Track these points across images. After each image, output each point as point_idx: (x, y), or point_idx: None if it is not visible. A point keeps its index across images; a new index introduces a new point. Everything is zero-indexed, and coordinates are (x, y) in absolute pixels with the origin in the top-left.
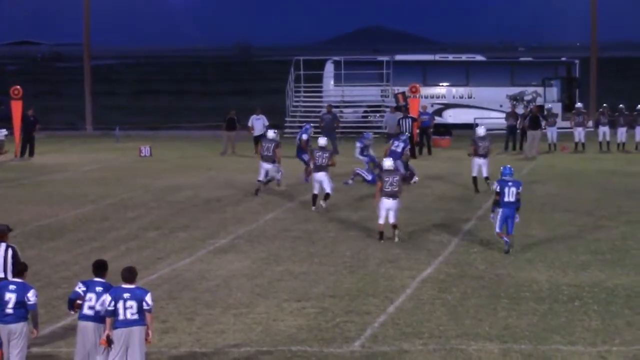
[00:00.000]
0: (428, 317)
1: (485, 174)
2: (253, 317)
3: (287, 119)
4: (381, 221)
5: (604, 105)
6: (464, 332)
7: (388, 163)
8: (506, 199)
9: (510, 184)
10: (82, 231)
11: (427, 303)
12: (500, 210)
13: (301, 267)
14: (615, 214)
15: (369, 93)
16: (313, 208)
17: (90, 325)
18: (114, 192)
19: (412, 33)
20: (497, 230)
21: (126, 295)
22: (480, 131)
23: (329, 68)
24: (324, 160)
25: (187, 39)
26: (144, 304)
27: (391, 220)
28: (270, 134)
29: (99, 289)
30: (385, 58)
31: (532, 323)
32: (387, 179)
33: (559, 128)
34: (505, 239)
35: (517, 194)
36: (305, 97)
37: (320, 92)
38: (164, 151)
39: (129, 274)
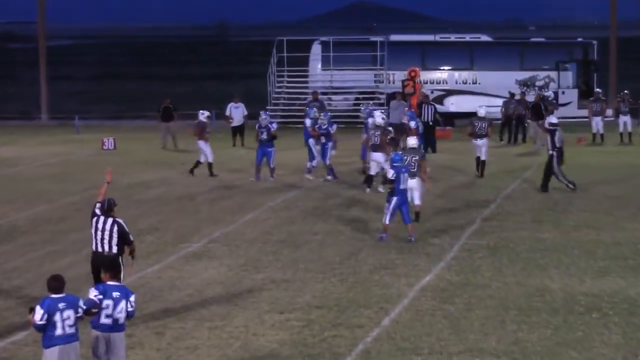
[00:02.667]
0: (428, 331)
1: (483, 157)
2: (230, 330)
3: (268, 107)
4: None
5: (625, 91)
6: (468, 347)
7: (412, 141)
8: (401, 186)
9: (403, 170)
10: (36, 233)
11: (427, 315)
12: (394, 199)
13: (284, 275)
14: (638, 214)
15: (361, 78)
16: (368, 190)
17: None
18: (73, 190)
19: (410, 10)
20: (386, 221)
21: (61, 305)
22: (481, 111)
23: (316, 50)
24: (376, 139)
25: (155, 15)
26: (79, 310)
27: (416, 201)
28: (379, 119)
29: (116, 294)
30: (379, 38)
31: (545, 337)
32: (406, 157)
33: (574, 118)
34: (411, 236)
35: (418, 165)
36: (289, 82)
37: (306, 76)
38: (129, 143)
39: (57, 282)
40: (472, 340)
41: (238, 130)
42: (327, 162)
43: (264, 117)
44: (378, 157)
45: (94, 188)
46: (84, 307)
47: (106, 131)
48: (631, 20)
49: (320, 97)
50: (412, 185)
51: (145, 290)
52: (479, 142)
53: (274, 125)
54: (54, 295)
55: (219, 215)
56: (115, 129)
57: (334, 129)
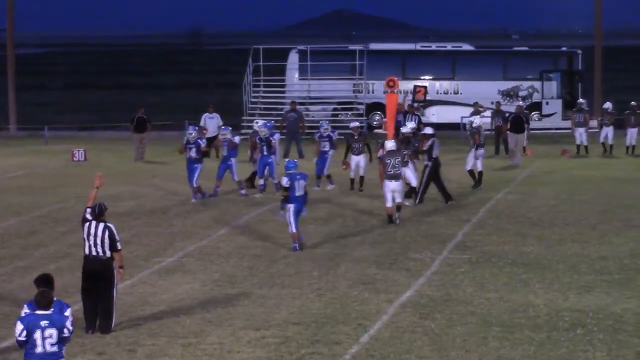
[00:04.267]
0: (408, 348)
1: (480, 167)
2: (204, 348)
3: (244, 117)
4: (389, 204)
5: (604, 107)
6: None
7: (390, 144)
8: (297, 194)
9: (298, 177)
10: (4, 248)
11: (407, 331)
12: (291, 206)
13: (260, 290)
14: (624, 228)
15: (340, 88)
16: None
17: None
18: (42, 203)
19: (389, 18)
20: (294, 230)
21: (44, 322)
22: (477, 121)
23: (293, 58)
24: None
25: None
26: (65, 330)
27: (397, 199)
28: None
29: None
30: (358, 47)
31: (528, 354)
32: (388, 161)
33: (558, 129)
34: (302, 237)
35: (305, 186)
36: (265, 92)
37: (283, 86)
38: (100, 155)
39: (44, 298)
40: (454, 358)
41: (213, 141)
42: (326, 172)
43: (225, 131)
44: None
45: (64, 201)
46: (71, 329)
47: (76, 142)
48: (616, 29)
49: (298, 107)
50: (394, 187)
51: (117, 306)
52: (480, 152)
53: (236, 139)
54: (38, 312)
55: (193, 229)
56: (86, 140)
57: (276, 138)
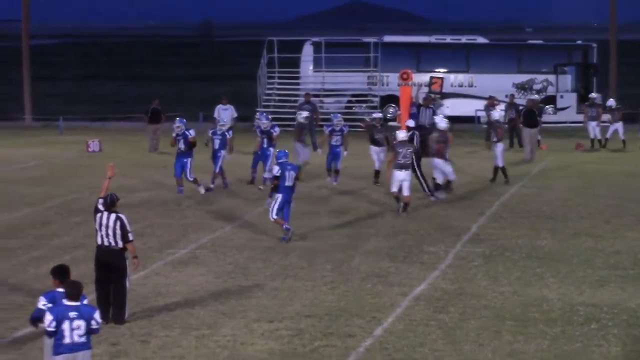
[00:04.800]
0: (421, 341)
1: (500, 163)
2: (217, 339)
3: (258, 109)
4: (395, 189)
5: (610, 100)
6: (463, 358)
7: (402, 135)
8: (286, 184)
9: (289, 167)
10: (18, 238)
11: (421, 325)
12: (279, 196)
13: (274, 282)
14: (638, 223)
15: (354, 80)
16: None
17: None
18: (56, 193)
19: (403, 10)
20: (274, 216)
21: (72, 314)
22: (495, 115)
23: (308, 50)
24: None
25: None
26: (93, 322)
27: (405, 192)
28: (443, 124)
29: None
30: (372, 39)
31: (542, 349)
32: (400, 150)
33: (573, 122)
34: (287, 226)
35: (295, 178)
36: (279, 84)
37: (298, 78)
38: (115, 146)
39: (74, 289)
40: (467, 351)
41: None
42: (339, 167)
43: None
44: (438, 163)
45: (78, 192)
46: (99, 321)
47: (91, 133)
48: (631, 23)
49: (312, 99)
50: (404, 177)
51: (130, 297)
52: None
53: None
54: (68, 303)
55: (206, 220)
56: (100, 130)
57: (276, 131)
